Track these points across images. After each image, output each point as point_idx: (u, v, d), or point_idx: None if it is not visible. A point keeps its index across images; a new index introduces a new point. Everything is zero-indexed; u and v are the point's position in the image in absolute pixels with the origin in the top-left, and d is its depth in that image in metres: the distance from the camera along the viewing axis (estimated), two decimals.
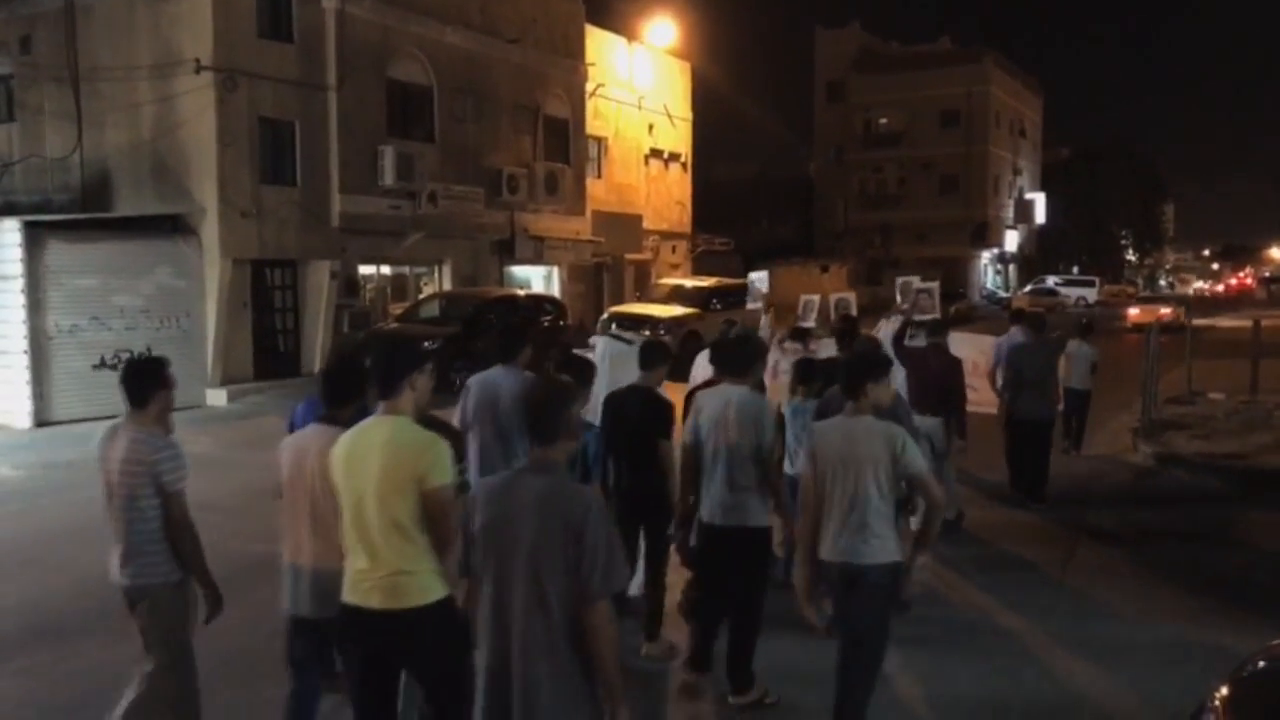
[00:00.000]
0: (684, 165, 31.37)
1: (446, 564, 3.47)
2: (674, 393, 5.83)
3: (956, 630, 6.11)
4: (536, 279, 24.11)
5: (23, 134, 18.28)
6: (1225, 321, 30.97)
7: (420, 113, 20.44)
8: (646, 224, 28.96)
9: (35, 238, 13.98)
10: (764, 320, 10.28)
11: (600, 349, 8.01)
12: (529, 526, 2.98)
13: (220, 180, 16.26)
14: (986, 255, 55.44)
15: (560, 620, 2.94)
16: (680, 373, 6.24)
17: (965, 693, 5.26)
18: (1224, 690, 3.40)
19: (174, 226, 16.12)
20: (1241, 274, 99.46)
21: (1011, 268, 59.40)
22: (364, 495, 3.47)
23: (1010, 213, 57.30)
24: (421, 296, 20.26)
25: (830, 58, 55.49)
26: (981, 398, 9.43)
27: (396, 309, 19.58)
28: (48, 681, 5.45)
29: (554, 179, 23.26)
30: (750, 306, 11.79)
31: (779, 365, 7.80)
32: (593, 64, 25.43)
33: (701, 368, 7.41)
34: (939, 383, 7.71)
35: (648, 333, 16.28)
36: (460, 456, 4.63)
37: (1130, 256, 78.86)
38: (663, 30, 30.70)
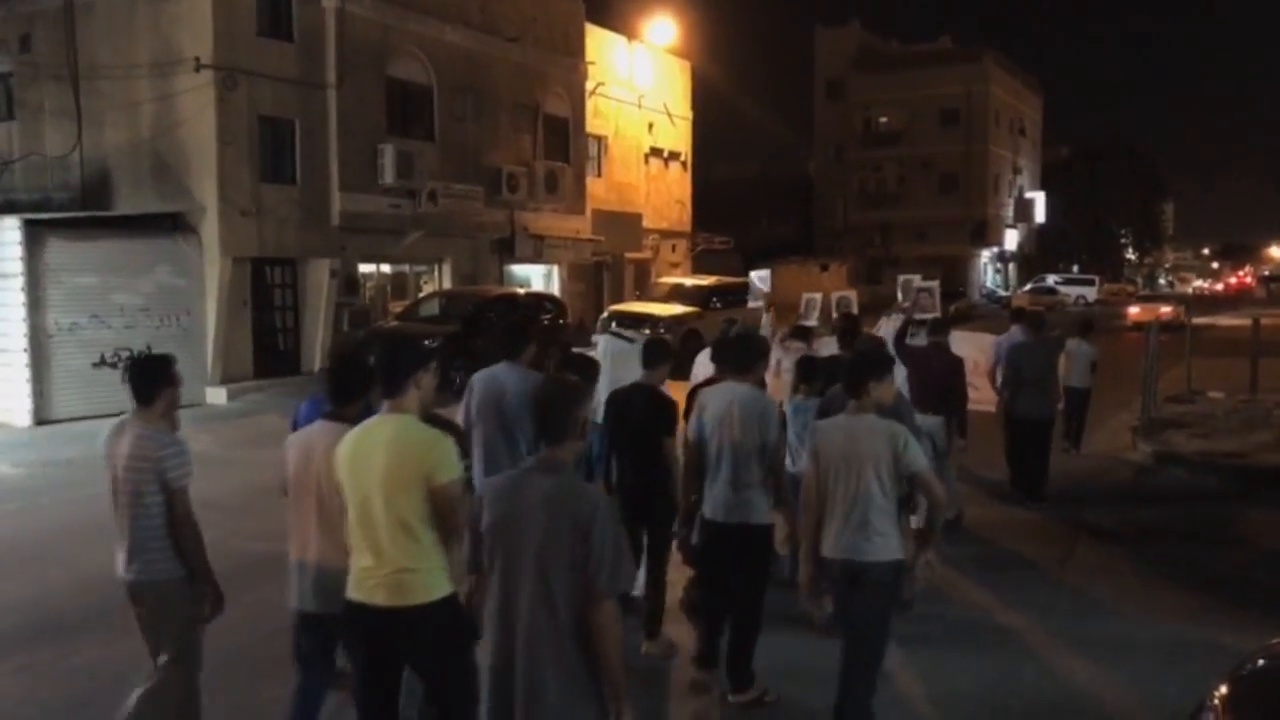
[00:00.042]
0: (684, 164, 31.38)
1: (456, 558, 3.47)
2: (675, 391, 5.83)
3: (957, 628, 6.11)
4: (536, 278, 24.11)
5: (23, 132, 18.26)
6: (1225, 320, 30.95)
7: (420, 111, 20.43)
8: (646, 223, 28.96)
9: (35, 236, 13.98)
10: (765, 319, 10.28)
11: (602, 347, 8.02)
12: (537, 525, 2.99)
13: (220, 179, 16.26)
14: (986, 254, 55.44)
15: (566, 619, 2.95)
16: (680, 371, 6.24)
17: (965, 691, 5.26)
18: (1223, 689, 3.40)
19: (174, 225, 16.12)
20: (1241, 273, 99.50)
21: (1011, 266, 59.41)
22: (369, 493, 3.48)
23: (1010, 211, 57.30)
24: (421, 295, 20.26)
25: (830, 56, 55.47)
26: (982, 396, 9.43)
27: (396, 307, 19.58)
28: (48, 679, 5.45)
29: (554, 178, 23.26)
30: (752, 305, 11.80)
31: (781, 363, 7.80)
32: (592, 63, 25.42)
33: (703, 366, 7.41)
34: (940, 381, 7.72)
35: (648, 331, 16.28)
36: (465, 454, 4.63)
37: (1130, 255, 78.88)
38: (663, 29, 30.72)
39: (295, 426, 4.48)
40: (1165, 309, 30.09)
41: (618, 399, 5.68)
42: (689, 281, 23.78)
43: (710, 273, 26.49)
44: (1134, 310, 33.79)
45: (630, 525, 5.23)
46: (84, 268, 14.57)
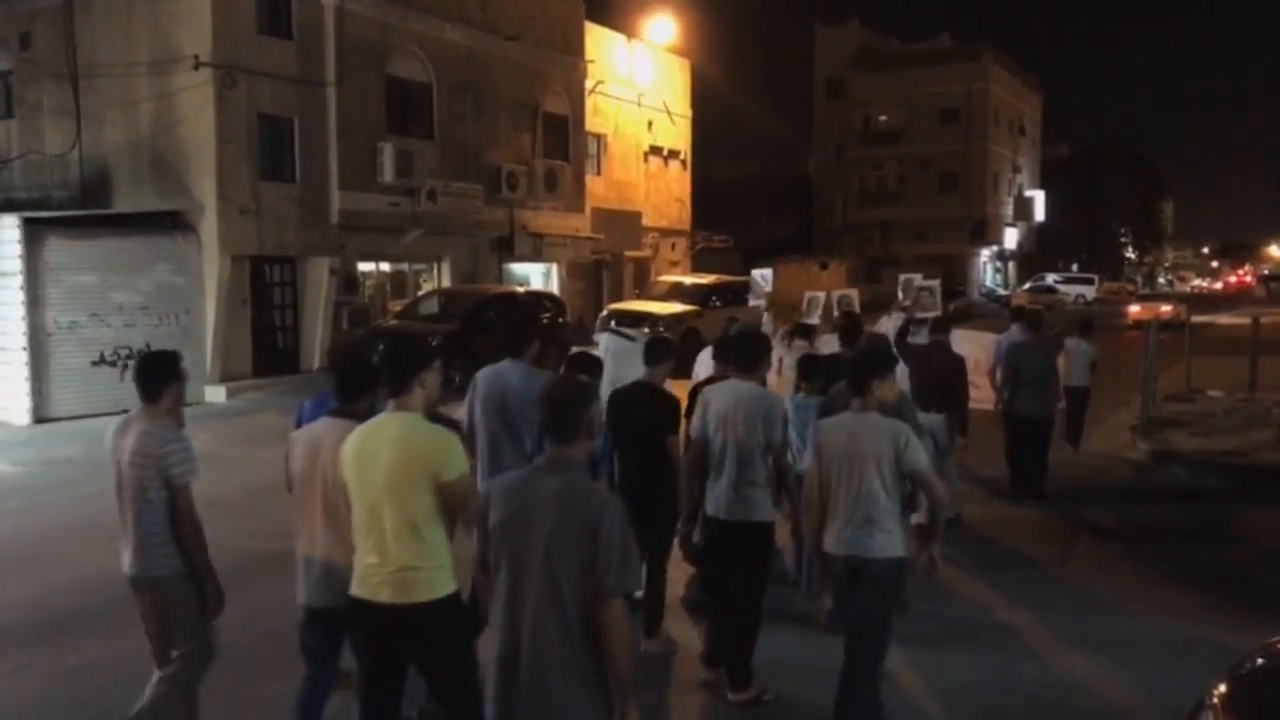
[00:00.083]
0: (683, 162, 31.37)
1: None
2: (676, 390, 5.83)
3: (957, 627, 6.12)
4: (535, 276, 24.10)
5: (22, 130, 18.26)
6: (1224, 319, 30.99)
7: (419, 109, 20.42)
8: (646, 221, 28.95)
9: (34, 234, 13.97)
10: (766, 317, 10.30)
11: (604, 345, 8.03)
12: (546, 524, 3.00)
13: (219, 177, 16.25)
14: (985, 253, 55.45)
15: (574, 617, 2.96)
16: (681, 370, 6.25)
17: (966, 689, 5.26)
18: (1222, 688, 3.40)
19: (173, 223, 16.11)
20: (1240, 271, 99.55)
21: (1010, 265, 59.43)
22: (375, 491, 3.50)
23: (1009, 210, 57.32)
24: (420, 293, 20.25)
25: (830, 55, 55.47)
26: (983, 395, 9.44)
27: (395, 306, 19.57)
28: (47, 677, 5.45)
29: (553, 176, 23.25)
30: (753, 303, 11.82)
31: (783, 361, 7.81)
32: (592, 61, 25.40)
33: (704, 365, 7.42)
34: (941, 380, 7.72)
35: (647, 330, 16.28)
36: (470, 452, 4.64)
37: (1129, 254, 78.90)
38: (662, 27, 30.70)
39: (299, 425, 4.48)
40: (1166, 308, 30.24)
41: (620, 397, 5.68)
42: (688, 280, 23.77)
43: (709, 271, 26.49)
44: (1135, 309, 33.93)
45: (632, 523, 5.23)
46: (83, 266, 14.56)
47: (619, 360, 7.60)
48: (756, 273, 11.67)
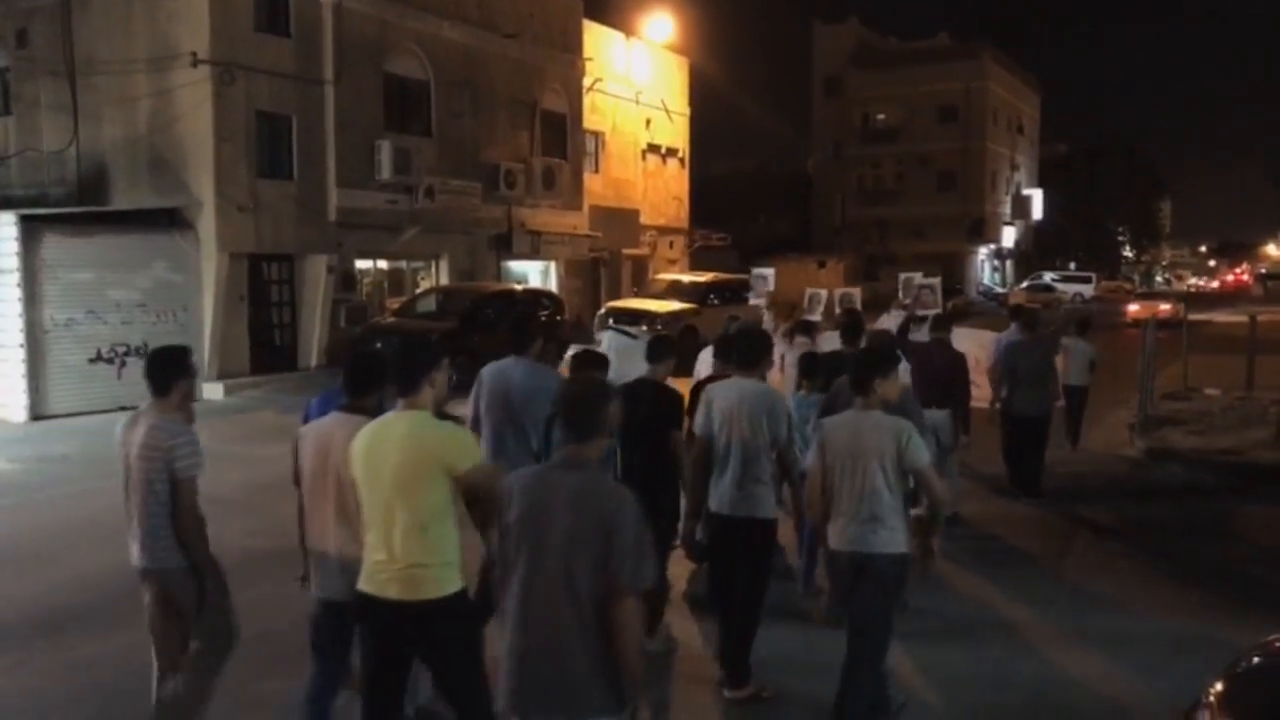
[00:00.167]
0: (681, 160, 31.36)
1: (491, 535, 3.47)
2: (678, 387, 5.83)
3: (956, 623, 6.12)
4: (533, 274, 24.09)
5: (19, 127, 18.23)
6: (1222, 317, 31.02)
7: (417, 107, 20.40)
8: (644, 219, 28.94)
9: (31, 231, 13.94)
10: (766, 315, 10.30)
11: (606, 343, 8.04)
12: (562, 521, 3.01)
13: (217, 174, 16.22)
14: (983, 251, 55.48)
15: (589, 614, 2.97)
16: (681, 367, 6.25)
17: (965, 685, 5.27)
18: (1218, 686, 3.41)
19: (171, 220, 16.09)
20: (1238, 270, 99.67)
21: (1008, 264, 59.46)
22: (384, 489, 3.52)
23: (1007, 208, 57.35)
24: (418, 291, 20.24)
25: (828, 53, 55.44)
26: (984, 393, 9.44)
27: (393, 303, 19.55)
28: (45, 674, 5.43)
29: (551, 174, 23.24)
30: (753, 301, 11.83)
31: (784, 358, 7.82)
32: (590, 59, 25.38)
33: (705, 363, 7.42)
34: (942, 377, 7.73)
35: (645, 328, 16.29)
36: None
37: (1127, 253, 78.98)
38: (660, 25, 30.67)
39: (306, 422, 4.48)
40: (1164, 306, 30.41)
41: (623, 394, 5.68)
42: (686, 278, 23.78)
43: (707, 269, 26.52)
44: (1134, 307, 34.09)
45: None
46: (80, 263, 14.53)
47: (621, 358, 7.61)
48: (757, 271, 11.67)
